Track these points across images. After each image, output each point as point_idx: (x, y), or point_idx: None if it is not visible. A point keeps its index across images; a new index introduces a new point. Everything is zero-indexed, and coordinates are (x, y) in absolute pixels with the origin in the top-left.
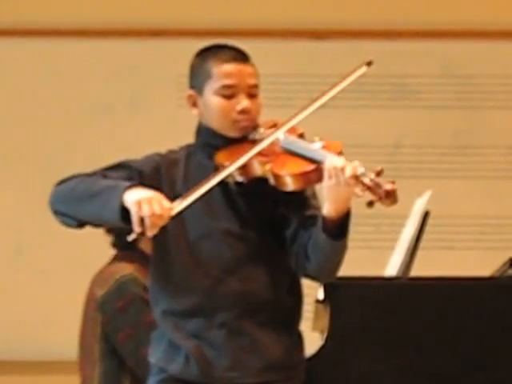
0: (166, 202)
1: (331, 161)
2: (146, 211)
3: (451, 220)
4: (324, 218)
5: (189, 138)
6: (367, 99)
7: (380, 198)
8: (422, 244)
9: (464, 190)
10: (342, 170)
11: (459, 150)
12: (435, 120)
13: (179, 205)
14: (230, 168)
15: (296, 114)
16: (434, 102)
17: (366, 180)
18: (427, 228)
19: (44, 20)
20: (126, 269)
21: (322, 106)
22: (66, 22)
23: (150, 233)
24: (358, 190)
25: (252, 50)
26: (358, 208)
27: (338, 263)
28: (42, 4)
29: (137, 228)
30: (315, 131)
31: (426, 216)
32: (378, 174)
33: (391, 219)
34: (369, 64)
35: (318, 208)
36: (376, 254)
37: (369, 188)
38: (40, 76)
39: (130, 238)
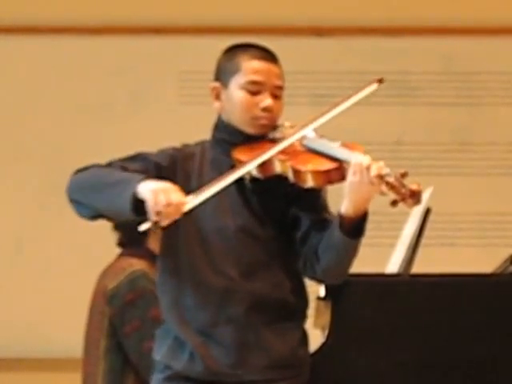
0: (182, 194)
1: (357, 158)
2: (162, 199)
3: (452, 217)
4: (341, 216)
5: (190, 135)
6: (368, 96)
7: (404, 198)
8: (424, 241)
9: (465, 186)
10: (368, 168)
11: (460, 147)
12: (436, 117)
13: (194, 199)
14: (249, 166)
15: (317, 117)
16: (435, 98)
17: (391, 179)
18: (428, 225)
19: (44, 17)
20: (138, 264)
21: (323, 103)
22: (66, 19)
23: (165, 222)
24: (382, 187)
25: None
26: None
27: (346, 266)
28: (42, 1)
29: (153, 216)
30: (317, 128)
31: (427, 213)
32: (403, 175)
33: (392, 216)
34: (380, 81)
35: (330, 213)
36: (377, 252)
37: (393, 187)
38: (41, 73)
39: (143, 227)
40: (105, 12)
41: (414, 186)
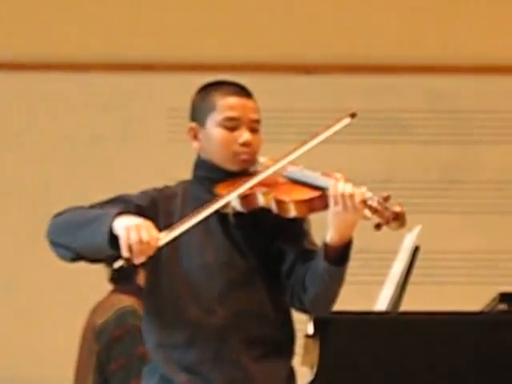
0: (154, 231)
1: (338, 187)
2: (133, 237)
3: (441, 255)
4: (326, 245)
5: (179, 171)
6: (357, 134)
7: (388, 221)
8: (412, 279)
9: (453, 224)
10: (351, 195)
11: (449, 185)
12: (425, 155)
13: (168, 235)
14: (225, 199)
15: (294, 150)
16: (424, 136)
17: (374, 203)
18: (417, 263)
19: (34, 53)
20: (127, 300)
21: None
22: (56, 55)
23: (137, 260)
24: (366, 212)
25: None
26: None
27: (333, 295)
28: (33, 37)
29: (124, 253)
30: (306, 166)
31: (415, 251)
32: (386, 199)
33: (380, 254)
34: (352, 116)
35: (315, 243)
36: (365, 289)
37: (377, 211)
38: (31, 110)
39: (116, 264)
40: (94, 49)
41: (397, 208)
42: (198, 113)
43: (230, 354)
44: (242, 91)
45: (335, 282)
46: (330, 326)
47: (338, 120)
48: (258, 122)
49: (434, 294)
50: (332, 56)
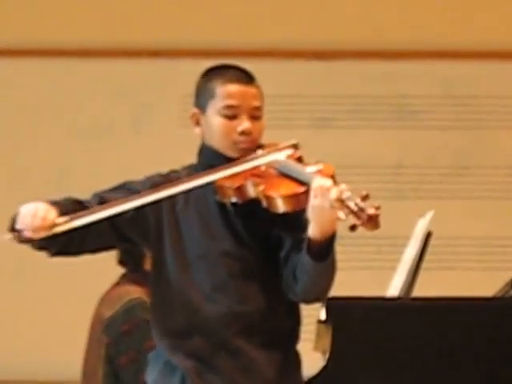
0: (52, 213)
1: (318, 181)
2: (30, 209)
3: (453, 240)
4: (309, 240)
5: (191, 158)
6: (368, 120)
7: (362, 223)
8: (424, 264)
9: (465, 210)
10: (328, 190)
11: (460, 171)
12: (436, 140)
13: (68, 223)
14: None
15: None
16: (435, 122)
17: (351, 204)
18: (429, 248)
19: (46, 40)
20: (135, 292)
21: (323, 127)
22: (67, 41)
23: (30, 234)
24: (341, 213)
25: (252, 70)
26: (358, 230)
27: (324, 286)
28: (44, 24)
29: (18, 225)
30: (317, 152)
31: (428, 236)
32: (364, 198)
33: (393, 240)
34: (294, 147)
35: None
36: (378, 275)
37: (352, 212)
38: (41, 96)
39: (5, 236)
40: (106, 35)
41: (371, 211)
42: (200, 99)
43: (233, 340)
44: (243, 77)
45: (321, 275)
46: (342, 312)
47: (280, 148)
48: (259, 108)
49: (446, 279)
50: (342, 41)
